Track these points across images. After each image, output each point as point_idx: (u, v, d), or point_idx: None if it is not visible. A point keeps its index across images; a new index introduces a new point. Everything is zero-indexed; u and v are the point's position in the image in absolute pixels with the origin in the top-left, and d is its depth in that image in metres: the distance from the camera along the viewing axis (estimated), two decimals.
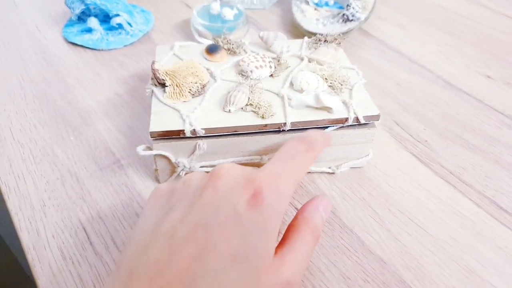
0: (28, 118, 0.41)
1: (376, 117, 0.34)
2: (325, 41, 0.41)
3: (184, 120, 0.32)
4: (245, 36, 0.52)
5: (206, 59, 0.39)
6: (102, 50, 0.50)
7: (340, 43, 0.42)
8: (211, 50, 0.39)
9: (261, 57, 0.37)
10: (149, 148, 0.33)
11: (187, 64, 0.36)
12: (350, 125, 0.34)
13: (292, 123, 0.32)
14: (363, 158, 0.36)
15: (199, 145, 0.32)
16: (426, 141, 0.40)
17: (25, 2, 0.60)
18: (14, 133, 0.39)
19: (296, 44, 0.42)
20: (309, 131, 0.30)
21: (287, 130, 0.33)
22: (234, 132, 0.32)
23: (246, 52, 0.40)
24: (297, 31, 0.55)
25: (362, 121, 0.33)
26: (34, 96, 0.43)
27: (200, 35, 0.51)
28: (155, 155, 0.32)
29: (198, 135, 0.32)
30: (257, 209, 0.23)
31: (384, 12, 0.61)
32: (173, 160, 0.33)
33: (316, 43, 0.41)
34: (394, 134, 0.41)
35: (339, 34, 0.42)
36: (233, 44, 0.40)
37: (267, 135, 0.33)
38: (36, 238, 0.31)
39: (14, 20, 0.56)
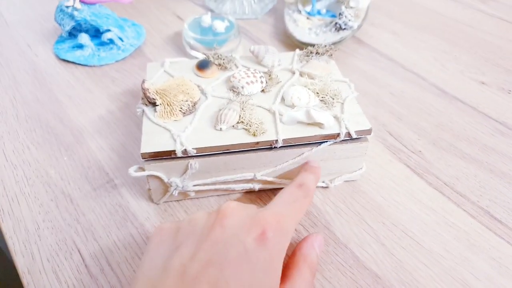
0: (21, 139, 0.41)
1: (368, 132, 0.34)
2: (316, 53, 0.41)
3: (175, 140, 0.32)
4: (237, 47, 0.52)
5: (197, 75, 0.39)
6: (94, 66, 0.50)
7: (332, 54, 0.41)
8: (202, 66, 0.39)
9: (252, 73, 0.37)
10: (142, 169, 0.32)
11: (177, 82, 0.36)
12: (343, 140, 0.34)
13: (284, 140, 0.32)
14: (356, 172, 0.36)
15: (191, 165, 0.32)
16: (420, 151, 0.40)
17: (16, 21, 0.59)
18: (7, 154, 0.39)
19: (288, 57, 0.42)
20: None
21: (279, 147, 0.33)
22: (226, 151, 0.32)
23: (237, 67, 0.40)
24: (289, 41, 0.55)
25: (354, 136, 0.33)
26: (27, 116, 0.43)
27: (192, 48, 0.51)
28: (148, 175, 0.32)
29: (189, 155, 0.32)
30: (264, 246, 0.24)
31: (377, 18, 0.61)
32: (165, 180, 0.33)
33: (307, 56, 0.41)
34: (388, 145, 0.41)
35: (331, 46, 0.42)
36: (224, 59, 0.40)
37: (259, 152, 0.33)
38: (31, 262, 0.31)
39: (5, 39, 0.56)
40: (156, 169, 0.32)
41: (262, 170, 0.34)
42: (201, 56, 0.51)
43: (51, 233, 0.33)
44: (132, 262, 0.31)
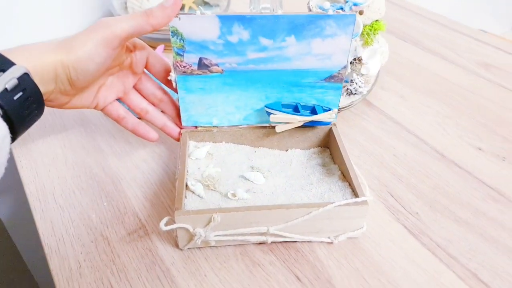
0: (68, 184, 0.47)
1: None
2: None
3: None
4: None
5: None
6: None
7: None
8: None
9: None
10: (172, 221, 0.38)
11: None
12: (346, 204, 0.39)
13: None
14: (358, 230, 0.41)
15: (214, 218, 0.38)
16: (417, 213, 0.45)
17: None
18: (56, 197, 0.46)
19: None
20: None
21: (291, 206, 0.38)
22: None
23: None
24: None
25: None
26: (74, 162, 0.50)
27: None
28: (177, 227, 0.38)
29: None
30: None
31: (387, 82, 0.67)
32: (191, 230, 0.38)
33: None
34: (388, 205, 0.45)
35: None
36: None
37: (273, 210, 0.38)
38: None
39: None
40: (185, 221, 0.38)
41: (275, 225, 0.39)
42: None
43: (90, 272, 0.39)
44: None
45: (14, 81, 0.32)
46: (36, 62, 0.35)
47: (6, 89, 0.31)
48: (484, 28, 1.11)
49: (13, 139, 0.33)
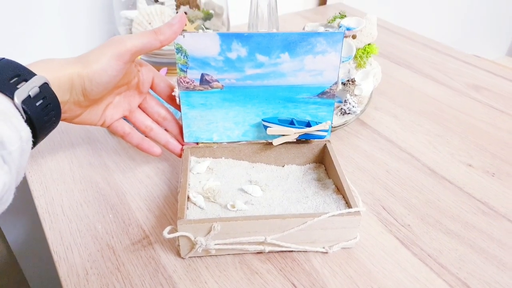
0: (76, 197, 0.50)
1: None
2: None
3: None
4: None
5: None
6: None
7: None
8: None
9: None
10: (174, 230, 0.40)
11: None
12: (340, 214, 0.41)
13: None
14: (352, 240, 0.43)
15: (214, 227, 0.40)
16: (409, 225, 0.47)
17: None
18: (64, 210, 0.48)
19: None
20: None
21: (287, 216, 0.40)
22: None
23: None
24: None
25: None
26: (81, 177, 0.53)
27: None
28: (179, 236, 0.40)
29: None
30: None
31: (381, 102, 0.70)
32: (192, 238, 0.40)
33: None
34: (381, 218, 0.47)
35: None
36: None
37: (270, 220, 0.40)
38: None
39: None
40: (187, 229, 0.40)
41: (272, 234, 0.41)
42: None
43: (96, 278, 0.40)
44: None
45: (36, 89, 0.35)
46: (54, 74, 0.38)
47: (29, 95, 0.35)
48: (479, 53, 1.15)
49: (34, 143, 0.36)
